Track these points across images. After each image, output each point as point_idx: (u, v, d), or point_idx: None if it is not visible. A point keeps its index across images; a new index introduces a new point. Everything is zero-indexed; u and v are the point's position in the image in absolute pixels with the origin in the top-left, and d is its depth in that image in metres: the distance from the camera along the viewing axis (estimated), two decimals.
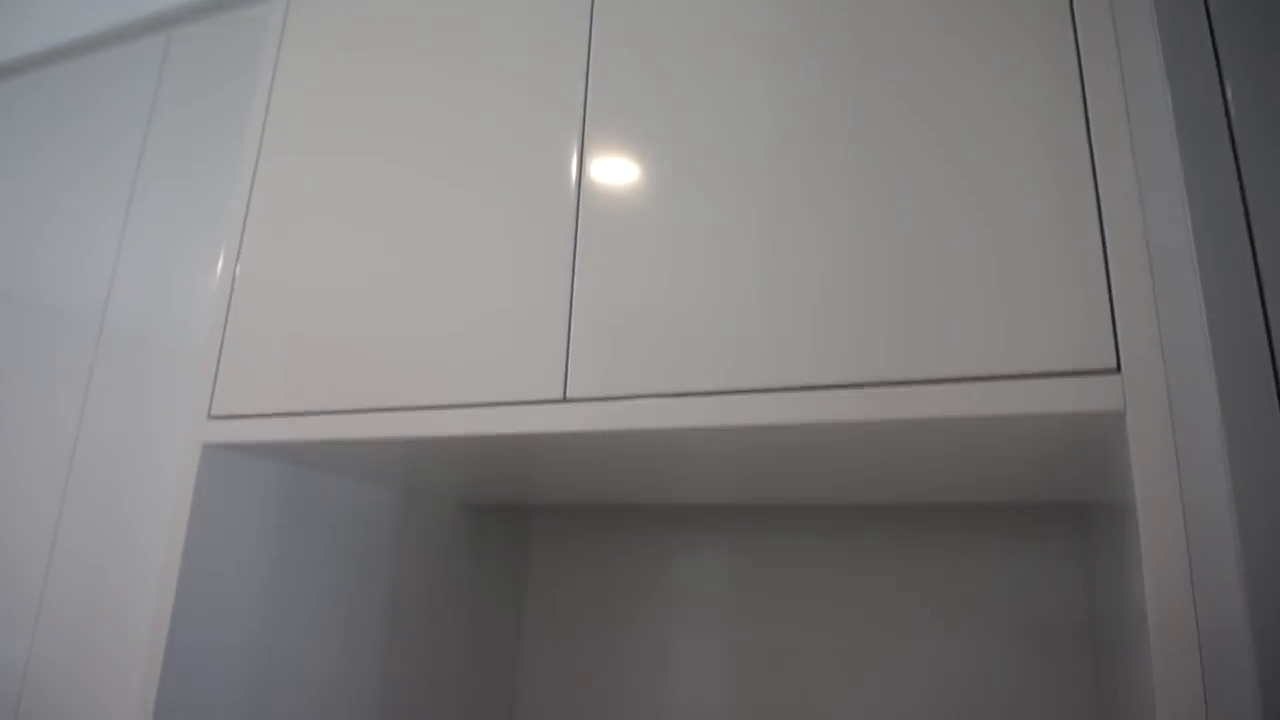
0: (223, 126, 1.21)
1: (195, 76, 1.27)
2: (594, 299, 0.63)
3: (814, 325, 0.56)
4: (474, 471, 0.83)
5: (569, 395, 0.62)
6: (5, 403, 1.23)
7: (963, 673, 0.90)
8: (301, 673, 0.83)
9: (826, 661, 0.96)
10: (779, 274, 0.58)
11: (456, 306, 0.68)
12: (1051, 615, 0.88)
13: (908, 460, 0.66)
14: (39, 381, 1.22)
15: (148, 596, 1.03)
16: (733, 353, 0.58)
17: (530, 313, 0.65)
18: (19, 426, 1.21)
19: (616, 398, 0.61)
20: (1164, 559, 0.48)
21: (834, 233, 0.58)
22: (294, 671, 0.82)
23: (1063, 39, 0.55)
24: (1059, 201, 0.53)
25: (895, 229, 0.56)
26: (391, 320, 0.71)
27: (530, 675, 1.10)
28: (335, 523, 0.88)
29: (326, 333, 0.74)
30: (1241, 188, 0.51)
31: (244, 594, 0.79)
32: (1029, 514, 0.91)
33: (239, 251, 0.81)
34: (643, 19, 0.69)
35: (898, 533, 0.96)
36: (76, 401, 1.17)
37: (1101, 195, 0.52)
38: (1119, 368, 0.50)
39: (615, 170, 0.65)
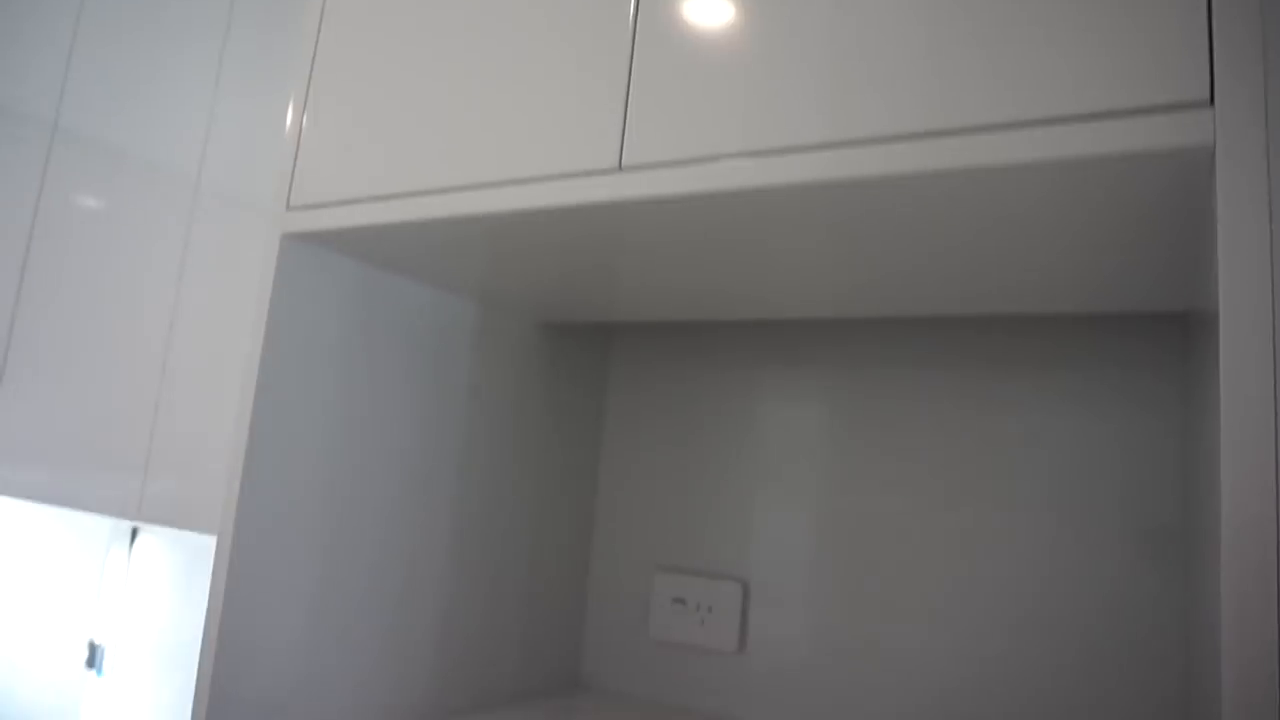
0: None
1: None
2: (650, 66, 0.61)
3: (882, 72, 0.53)
4: (543, 269, 0.84)
5: (624, 164, 0.61)
6: (114, 258, 1.31)
7: (1057, 537, 0.88)
8: (376, 477, 0.87)
9: (920, 488, 0.95)
10: (843, 19, 0.55)
11: (514, 86, 0.67)
12: (1148, 471, 0.84)
13: (988, 240, 0.63)
14: (143, 237, 1.28)
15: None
16: (795, 108, 0.55)
17: (586, 83, 0.64)
18: (125, 285, 1.28)
19: (671, 163, 0.59)
20: (1247, 341, 0.44)
21: None
22: (368, 476, 0.87)
23: None
24: None
25: None
26: (453, 107, 0.71)
27: (608, 499, 1.13)
28: (412, 330, 0.91)
29: (396, 122, 0.74)
30: None
31: (322, 391, 0.83)
32: (1131, 330, 0.86)
33: (316, 44, 0.82)
34: None
35: (992, 355, 0.93)
36: (177, 256, 1.23)
37: None
38: (1212, 100, 0.45)
39: None
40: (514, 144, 0.66)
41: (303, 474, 0.81)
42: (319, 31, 0.82)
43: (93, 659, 1.82)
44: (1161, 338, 0.85)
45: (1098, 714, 0.82)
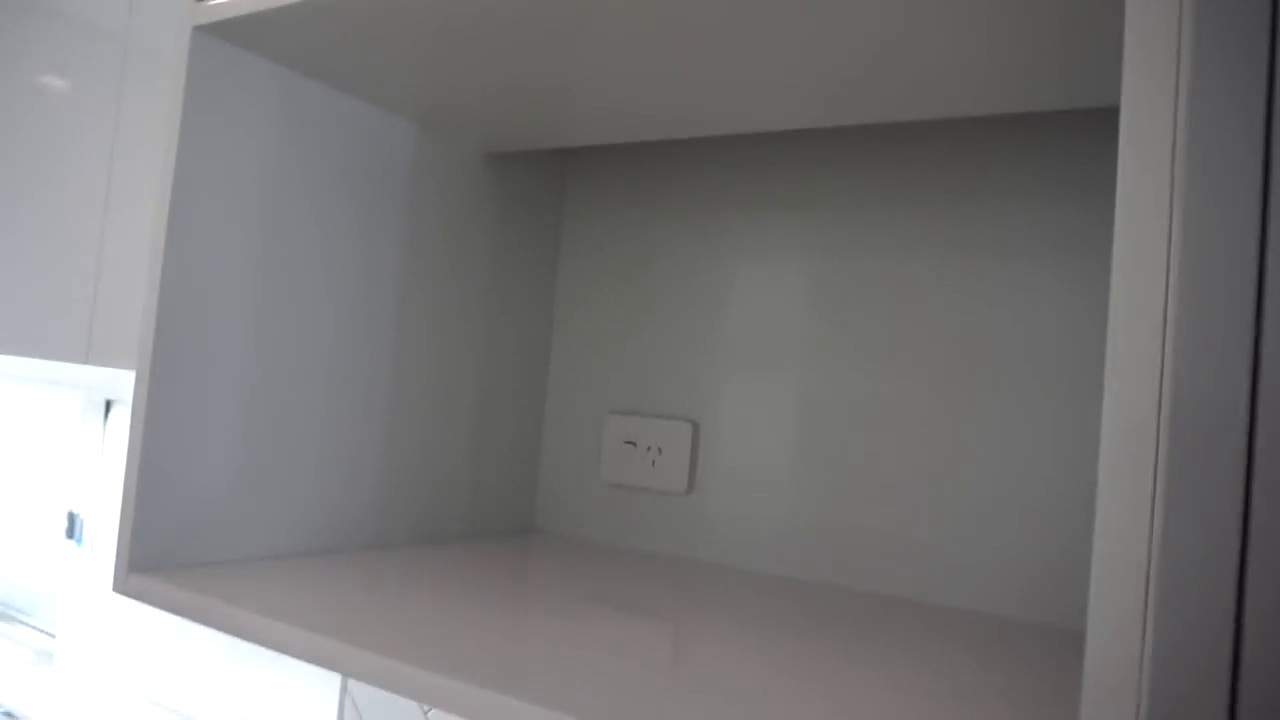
0: None
1: None
2: None
3: None
4: (484, 76, 0.79)
5: None
6: (51, 114, 1.26)
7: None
8: (307, 309, 0.84)
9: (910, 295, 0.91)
10: None
11: None
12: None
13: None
14: (75, 95, 1.23)
15: None
16: None
17: None
18: (64, 137, 1.23)
19: None
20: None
21: None
22: (298, 308, 0.83)
23: None
24: None
25: None
26: None
27: (564, 341, 1.10)
28: (346, 155, 0.86)
29: None
30: None
31: (245, 217, 0.78)
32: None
33: None
34: None
35: (982, 175, 0.88)
36: (112, 104, 1.18)
37: None
38: None
39: None
40: None
41: (227, 302, 0.77)
42: None
43: (72, 529, 1.84)
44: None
45: (1045, 607, 0.80)
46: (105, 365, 1.07)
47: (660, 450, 0.99)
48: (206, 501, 0.76)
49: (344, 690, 1.19)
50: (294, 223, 0.82)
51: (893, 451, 0.87)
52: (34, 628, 1.91)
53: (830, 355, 0.91)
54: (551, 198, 1.10)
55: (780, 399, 0.94)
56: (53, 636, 1.87)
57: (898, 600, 0.84)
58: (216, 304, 0.76)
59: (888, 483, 0.87)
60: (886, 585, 0.86)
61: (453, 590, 0.75)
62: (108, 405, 1.84)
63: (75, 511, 1.85)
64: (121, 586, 0.71)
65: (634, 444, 1.00)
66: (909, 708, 0.54)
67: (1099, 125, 0.81)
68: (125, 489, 0.73)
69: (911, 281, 0.88)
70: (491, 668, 0.55)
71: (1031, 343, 0.82)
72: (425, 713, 1.13)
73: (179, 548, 0.75)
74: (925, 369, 0.86)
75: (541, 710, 0.49)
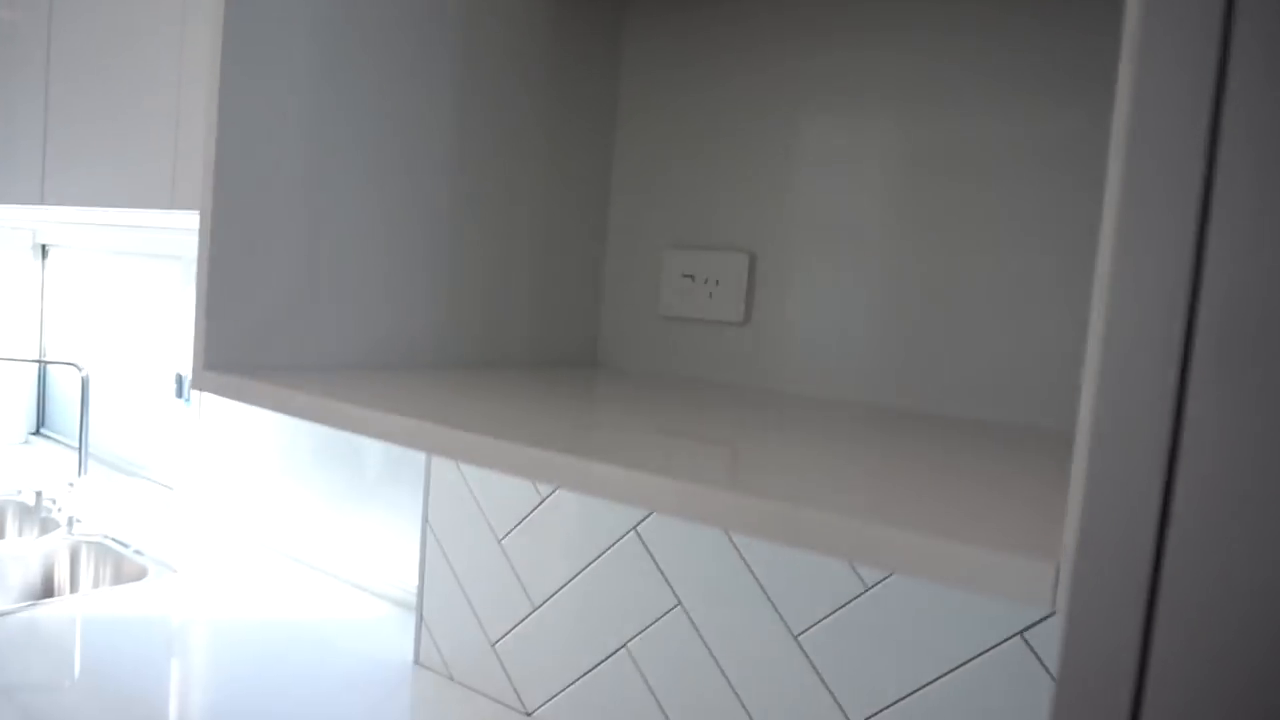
0: None
1: None
2: None
3: None
4: None
5: None
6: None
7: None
8: (364, 143, 0.86)
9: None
10: None
11: None
12: None
13: None
14: None
15: None
16: None
17: None
18: (135, 18, 1.27)
19: None
20: None
21: None
22: (354, 143, 0.85)
23: None
24: None
25: None
26: None
27: (625, 177, 1.11)
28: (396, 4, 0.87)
29: None
30: None
31: (297, 55, 0.80)
32: None
33: None
34: None
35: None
36: None
37: None
38: None
39: None
40: None
41: (282, 141, 0.80)
42: None
43: (180, 389, 1.97)
44: None
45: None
46: (187, 209, 1.14)
47: (717, 282, 0.99)
48: (272, 314, 0.81)
49: (425, 521, 1.27)
50: (348, 60, 0.84)
51: (950, 293, 0.86)
52: (153, 480, 2.08)
53: (899, 187, 0.90)
54: (609, 33, 1.09)
55: (837, 233, 0.93)
56: (170, 488, 2.03)
57: (956, 419, 0.85)
58: (273, 135, 0.80)
59: (947, 310, 0.86)
60: (946, 406, 0.87)
61: (520, 397, 0.79)
62: None
63: (181, 374, 1.98)
64: (199, 382, 0.77)
65: (691, 277, 1.01)
66: (965, 493, 0.55)
67: None
68: (196, 300, 0.78)
69: (1006, 138, 0.85)
70: (573, 446, 0.57)
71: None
72: (499, 540, 1.20)
73: (248, 354, 0.80)
74: (992, 232, 0.84)
75: (625, 471, 0.51)
